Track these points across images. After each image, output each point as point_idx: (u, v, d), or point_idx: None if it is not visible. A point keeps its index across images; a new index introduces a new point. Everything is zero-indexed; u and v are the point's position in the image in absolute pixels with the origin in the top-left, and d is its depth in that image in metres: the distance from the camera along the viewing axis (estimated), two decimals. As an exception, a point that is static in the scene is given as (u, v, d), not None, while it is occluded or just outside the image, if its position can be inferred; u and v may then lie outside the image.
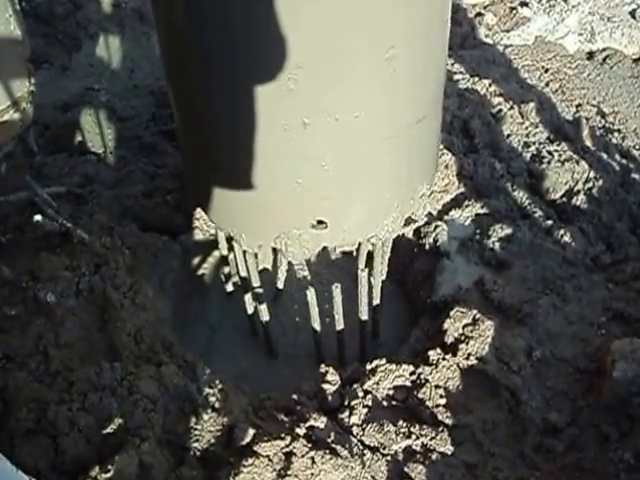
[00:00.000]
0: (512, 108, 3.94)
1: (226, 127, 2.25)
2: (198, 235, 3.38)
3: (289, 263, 3.17)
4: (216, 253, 3.40)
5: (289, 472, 2.24)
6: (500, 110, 3.92)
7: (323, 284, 3.37)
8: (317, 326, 2.87)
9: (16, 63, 2.60)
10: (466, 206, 3.33)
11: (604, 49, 4.80)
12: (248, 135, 2.15)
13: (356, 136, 2.18)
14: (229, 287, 3.30)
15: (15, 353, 2.54)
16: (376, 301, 2.93)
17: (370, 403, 2.47)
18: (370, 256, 2.88)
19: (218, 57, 2.06)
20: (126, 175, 3.47)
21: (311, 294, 2.73)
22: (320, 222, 2.39)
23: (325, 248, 3.13)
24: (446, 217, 3.32)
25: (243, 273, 2.93)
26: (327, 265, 3.54)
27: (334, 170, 2.23)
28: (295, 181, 2.24)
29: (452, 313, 2.70)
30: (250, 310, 3.05)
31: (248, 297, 3.01)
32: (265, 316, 2.94)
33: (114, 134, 3.75)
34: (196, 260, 3.40)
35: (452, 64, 4.46)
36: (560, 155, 3.59)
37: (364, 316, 2.89)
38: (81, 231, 2.95)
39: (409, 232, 3.26)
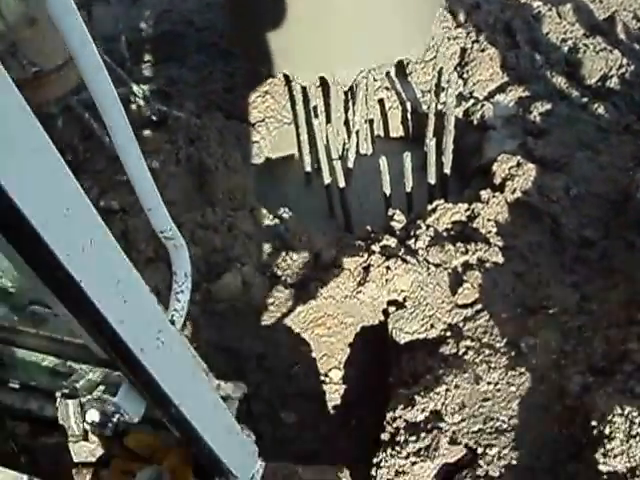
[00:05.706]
0: (550, 10, 4.28)
1: None
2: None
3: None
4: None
5: (367, 279, 2.70)
6: (539, 12, 4.26)
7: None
8: (387, 191, 3.32)
9: None
10: (509, 91, 3.71)
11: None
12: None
13: None
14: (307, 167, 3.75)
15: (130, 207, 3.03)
16: (446, 170, 3.37)
17: (432, 234, 2.89)
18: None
19: None
20: (207, 76, 3.92)
21: (383, 162, 3.17)
22: None
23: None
24: (492, 100, 3.70)
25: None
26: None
27: None
28: None
29: (499, 157, 3.11)
30: (327, 181, 3.49)
31: (325, 169, 3.44)
32: (341, 182, 3.38)
33: (193, 43, 4.20)
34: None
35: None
36: (595, 47, 3.93)
37: (432, 180, 3.35)
38: (176, 111, 3.42)
39: (459, 112, 3.66)
